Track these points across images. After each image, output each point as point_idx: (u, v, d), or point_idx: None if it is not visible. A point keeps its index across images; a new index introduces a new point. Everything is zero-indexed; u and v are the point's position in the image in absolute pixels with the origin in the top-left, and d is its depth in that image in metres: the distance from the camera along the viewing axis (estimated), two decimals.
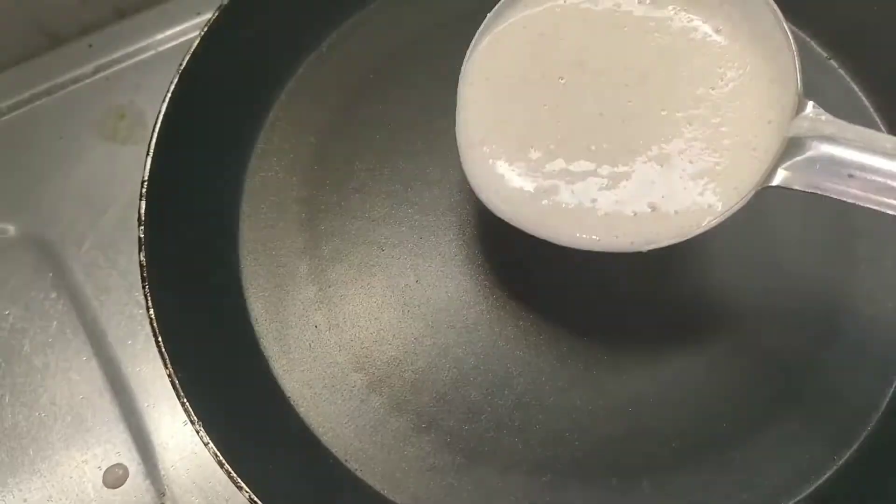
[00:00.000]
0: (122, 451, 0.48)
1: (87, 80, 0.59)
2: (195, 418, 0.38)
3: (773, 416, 0.42)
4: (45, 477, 0.48)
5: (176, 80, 0.45)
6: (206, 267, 0.46)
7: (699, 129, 0.37)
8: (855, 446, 0.42)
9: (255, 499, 0.37)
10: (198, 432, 0.38)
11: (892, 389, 0.43)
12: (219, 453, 0.37)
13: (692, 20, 0.39)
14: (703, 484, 0.41)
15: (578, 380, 0.44)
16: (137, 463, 0.48)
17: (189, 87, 0.46)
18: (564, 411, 0.43)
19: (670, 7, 0.40)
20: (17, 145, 0.57)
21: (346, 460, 0.42)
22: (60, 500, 0.47)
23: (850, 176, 0.33)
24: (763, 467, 0.42)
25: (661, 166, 0.37)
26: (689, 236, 0.35)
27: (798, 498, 0.41)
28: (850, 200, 0.33)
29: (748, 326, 0.44)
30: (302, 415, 0.43)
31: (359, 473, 0.42)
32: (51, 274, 0.53)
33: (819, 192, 0.33)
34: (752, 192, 0.34)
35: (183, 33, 0.60)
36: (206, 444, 0.38)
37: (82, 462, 0.48)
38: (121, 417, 0.49)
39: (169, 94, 0.45)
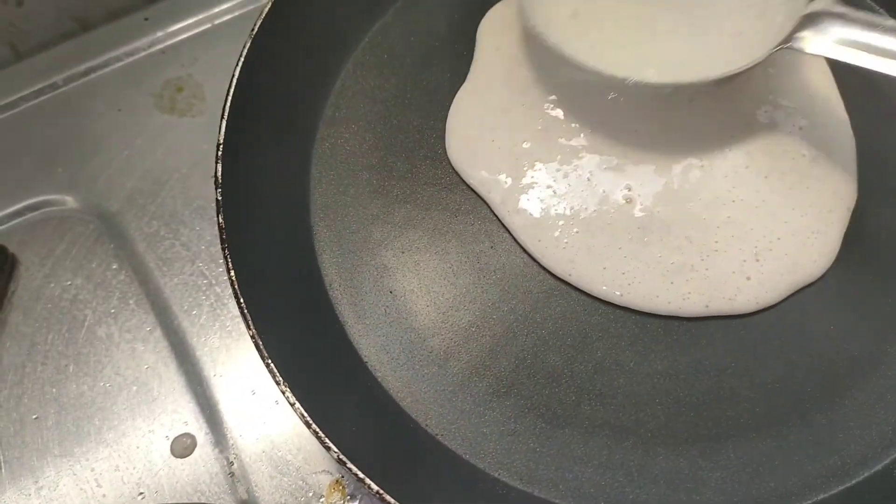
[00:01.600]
0: (189, 421, 0.48)
1: (144, 53, 0.59)
2: (280, 379, 0.38)
3: (859, 379, 0.42)
4: (111, 447, 0.47)
5: (248, 45, 0.45)
6: (279, 232, 0.45)
7: None
8: None
9: (344, 458, 0.36)
10: (283, 393, 0.37)
11: None
12: (306, 413, 0.37)
13: None
14: (789, 448, 0.41)
15: (658, 344, 0.43)
16: (205, 432, 0.47)
17: (260, 52, 0.45)
18: (645, 376, 0.42)
19: None
20: (75, 117, 0.57)
21: (427, 425, 0.42)
22: (128, 469, 0.47)
23: (854, 42, 0.40)
24: (849, 430, 0.41)
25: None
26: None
27: (886, 461, 0.40)
28: (850, 62, 0.40)
29: (834, 284, 0.44)
30: (380, 380, 0.43)
31: (440, 438, 0.42)
32: (112, 245, 0.53)
33: (828, 56, 0.41)
34: (776, 49, 0.42)
35: (239, 6, 0.60)
36: (292, 405, 0.37)
37: (149, 432, 0.48)
38: (187, 387, 0.48)
39: (242, 59, 0.45)
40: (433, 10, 0.52)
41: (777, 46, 0.43)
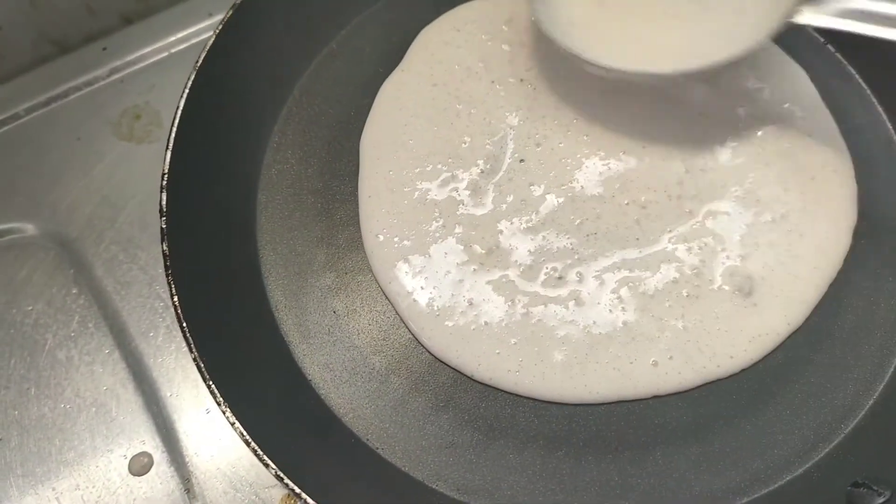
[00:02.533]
0: (146, 440, 0.49)
1: (103, 82, 0.61)
2: (221, 399, 0.39)
3: (784, 386, 0.44)
4: (71, 466, 0.49)
5: (193, 77, 0.47)
6: (226, 256, 0.47)
7: None
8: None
9: (281, 474, 0.38)
10: (224, 413, 0.39)
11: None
12: (245, 432, 0.39)
13: None
14: (714, 454, 0.42)
15: None
16: (162, 451, 0.49)
17: (205, 83, 0.47)
18: None
19: None
20: (35, 147, 0.59)
21: (368, 440, 0.44)
22: (88, 488, 0.48)
23: (854, 12, 0.41)
24: (773, 436, 0.43)
25: None
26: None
27: (808, 465, 0.42)
28: (853, 31, 0.41)
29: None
30: (323, 397, 0.45)
31: (380, 452, 0.43)
32: (72, 270, 0.54)
33: (831, 27, 0.42)
34: (780, 24, 0.43)
35: (196, 34, 0.61)
36: (232, 424, 0.39)
37: (108, 451, 0.49)
38: (144, 407, 0.50)
39: (186, 91, 0.46)
40: (376, 38, 0.54)
41: (780, 22, 0.43)
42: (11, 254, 0.55)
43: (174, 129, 0.45)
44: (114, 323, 0.52)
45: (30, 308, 0.53)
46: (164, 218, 0.43)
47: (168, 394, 0.50)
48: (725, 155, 0.48)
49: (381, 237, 0.47)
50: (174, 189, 0.44)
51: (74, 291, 0.54)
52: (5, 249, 0.55)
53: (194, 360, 0.40)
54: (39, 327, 0.53)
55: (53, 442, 0.50)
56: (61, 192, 0.57)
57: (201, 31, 0.62)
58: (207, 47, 0.47)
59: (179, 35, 0.62)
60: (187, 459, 0.49)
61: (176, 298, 0.41)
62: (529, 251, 0.46)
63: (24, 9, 0.60)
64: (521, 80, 0.51)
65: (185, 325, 0.41)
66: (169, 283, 0.42)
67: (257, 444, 0.38)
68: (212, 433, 0.49)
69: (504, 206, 0.48)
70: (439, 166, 0.49)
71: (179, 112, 0.46)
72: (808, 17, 0.43)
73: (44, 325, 0.53)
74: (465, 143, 0.49)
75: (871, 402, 0.43)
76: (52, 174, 0.57)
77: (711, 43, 0.45)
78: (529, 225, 0.47)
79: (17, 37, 0.61)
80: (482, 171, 0.48)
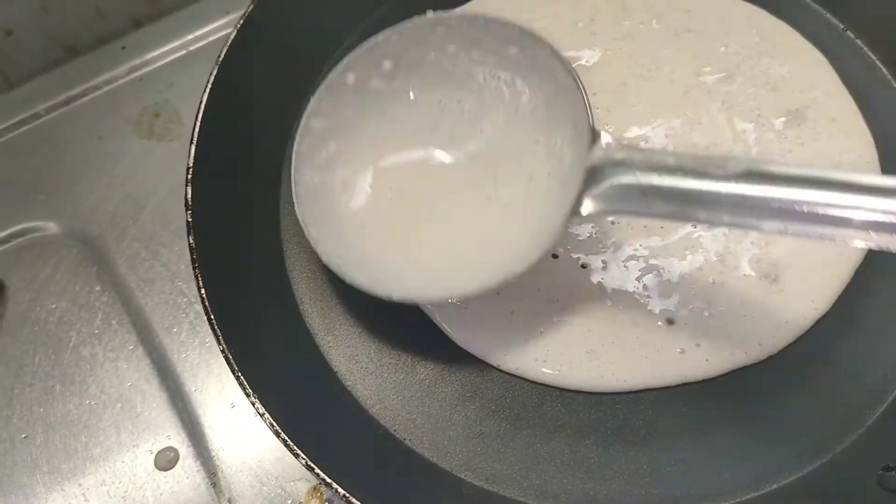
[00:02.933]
0: (171, 435, 0.50)
1: (122, 81, 0.61)
2: (250, 391, 0.39)
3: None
4: (97, 462, 0.49)
5: (215, 71, 0.47)
6: (250, 249, 0.47)
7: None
8: None
9: (311, 464, 0.38)
10: (253, 404, 0.39)
11: None
12: (274, 423, 0.39)
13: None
14: (743, 442, 0.42)
15: None
16: (187, 445, 0.49)
17: (227, 77, 0.47)
18: None
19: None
20: (57, 146, 0.59)
21: (395, 430, 0.44)
22: (114, 483, 0.49)
23: (644, 194, 0.35)
24: (806, 418, 0.43)
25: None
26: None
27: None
28: (652, 218, 0.41)
29: None
30: (350, 388, 0.45)
31: (408, 443, 0.43)
32: (95, 268, 0.55)
33: (625, 214, 0.39)
34: (564, 223, 0.38)
35: (213, 32, 0.62)
36: (261, 415, 0.39)
37: (133, 447, 0.49)
38: (169, 403, 0.50)
39: (209, 85, 0.47)
40: None
41: (565, 223, 0.38)
42: (35, 252, 0.55)
43: (198, 123, 0.45)
44: (137, 319, 0.53)
45: (53, 306, 0.53)
46: (190, 211, 0.43)
47: (193, 389, 0.51)
48: (746, 142, 0.48)
49: None
50: (198, 183, 0.45)
51: (98, 289, 0.54)
52: (28, 248, 0.56)
53: (222, 352, 0.40)
54: (63, 325, 0.53)
55: (79, 438, 0.50)
56: (83, 191, 0.57)
57: (219, 29, 0.62)
58: (229, 42, 0.48)
59: (197, 33, 0.62)
60: (213, 453, 0.49)
61: (203, 291, 0.41)
62: None
63: (36, 13, 0.60)
64: None
65: (212, 317, 0.41)
66: (196, 277, 0.42)
67: (287, 435, 0.38)
68: (237, 427, 0.49)
69: None
70: None
71: (202, 106, 0.46)
72: (593, 206, 0.37)
73: (68, 322, 0.53)
74: None
75: None
76: (74, 173, 0.58)
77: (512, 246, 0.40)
78: None
79: (28, 40, 0.61)
80: None
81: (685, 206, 0.35)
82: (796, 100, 0.49)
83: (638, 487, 0.42)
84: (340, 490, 0.37)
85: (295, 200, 0.42)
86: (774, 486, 0.41)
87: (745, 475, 0.42)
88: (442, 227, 0.43)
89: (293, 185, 0.43)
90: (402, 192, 0.44)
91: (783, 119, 0.49)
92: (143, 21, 0.64)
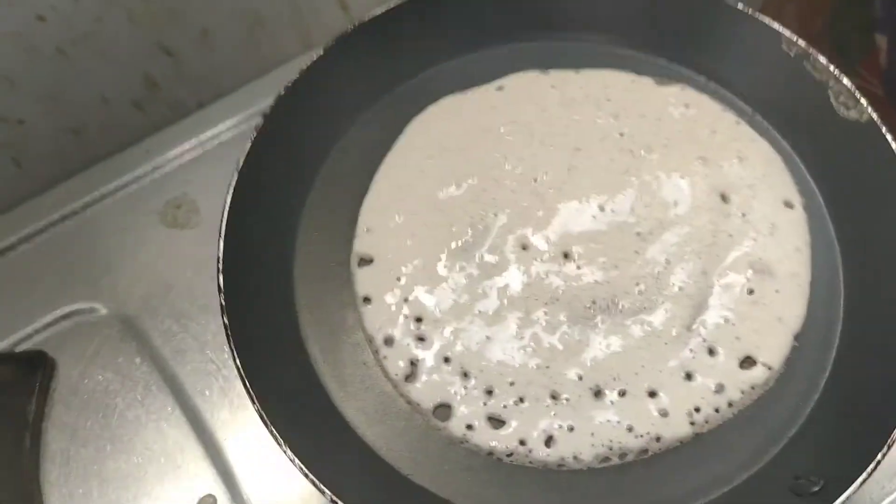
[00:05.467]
0: (209, 483, 0.58)
1: (147, 179, 0.71)
2: (281, 442, 0.48)
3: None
4: None
5: (236, 177, 0.56)
6: (269, 323, 0.56)
7: None
8: None
9: (335, 498, 0.47)
10: (285, 452, 0.48)
11: None
12: (303, 466, 0.48)
13: None
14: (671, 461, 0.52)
15: None
16: (224, 492, 0.58)
17: (244, 180, 0.57)
18: None
19: None
20: (92, 238, 0.68)
21: (400, 468, 0.53)
22: None
23: None
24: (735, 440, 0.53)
25: None
26: None
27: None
28: None
29: None
30: (361, 435, 0.54)
31: (411, 478, 0.52)
32: (134, 343, 0.63)
33: None
34: None
35: (221, 134, 0.72)
36: (292, 461, 0.48)
37: (177, 496, 0.58)
38: (206, 455, 0.59)
39: (231, 188, 0.56)
40: (384, 128, 0.64)
41: None
42: (80, 332, 0.64)
43: (224, 220, 0.55)
44: (173, 385, 0.62)
45: (100, 378, 0.62)
46: (223, 294, 0.53)
47: (225, 442, 0.59)
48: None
49: None
50: (227, 270, 0.54)
51: (137, 360, 0.63)
52: (74, 328, 0.65)
53: (257, 411, 0.49)
54: (110, 393, 0.62)
55: (129, 490, 0.58)
56: (118, 276, 0.66)
57: (230, 129, 0.72)
58: (246, 151, 0.57)
59: (211, 133, 0.72)
60: (245, 497, 0.58)
61: (238, 361, 0.51)
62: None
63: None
64: None
65: (246, 382, 0.50)
66: (231, 349, 0.51)
67: (314, 476, 0.47)
68: (266, 473, 0.58)
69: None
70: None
71: (227, 206, 0.55)
72: None
73: (113, 391, 0.62)
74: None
75: (808, 410, 0.53)
76: (108, 261, 0.67)
77: None
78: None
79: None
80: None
81: None
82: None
83: (593, 501, 0.51)
84: None
85: None
86: (711, 497, 0.51)
87: (687, 489, 0.51)
88: None
89: None
90: None
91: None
92: (142, 105, 0.74)
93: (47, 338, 0.64)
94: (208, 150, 0.72)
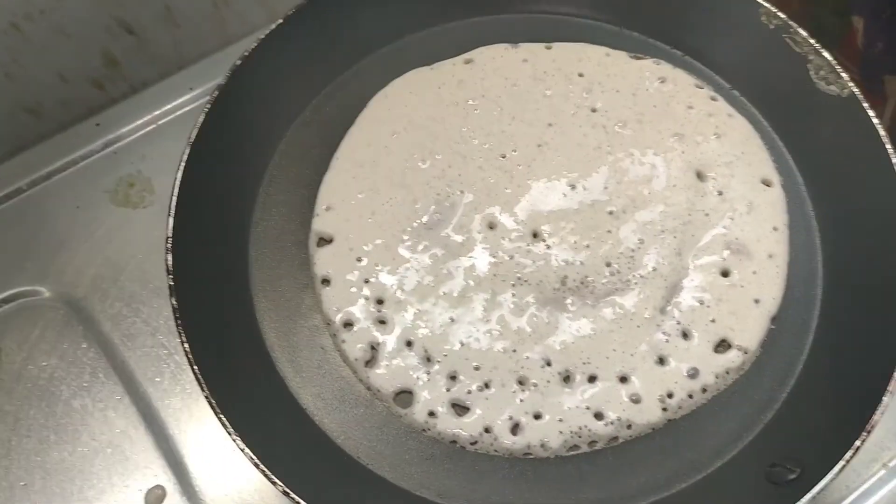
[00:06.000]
0: (158, 474, 0.55)
1: (98, 155, 0.67)
2: (231, 430, 0.46)
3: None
4: (92, 503, 0.55)
5: (187, 151, 0.53)
6: (222, 305, 0.53)
7: None
8: None
9: (287, 490, 0.44)
10: (234, 441, 0.45)
11: None
12: (254, 456, 0.45)
13: None
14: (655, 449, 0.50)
15: None
16: (174, 483, 0.55)
17: (197, 156, 0.54)
18: None
19: None
20: (40, 217, 0.65)
21: (359, 457, 0.50)
22: None
23: None
24: (705, 430, 0.50)
25: None
26: None
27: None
28: None
29: None
30: (318, 423, 0.51)
31: (370, 467, 0.50)
32: (81, 327, 0.60)
33: None
34: None
35: (180, 107, 0.69)
36: (242, 451, 0.45)
37: (124, 487, 0.55)
38: (155, 445, 0.56)
39: (182, 164, 0.53)
40: (344, 105, 0.61)
41: None
42: (25, 315, 0.61)
43: (174, 198, 0.52)
44: (122, 372, 0.59)
45: (45, 363, 0.59)
46: (171, 276, 0.50)
47: (176, 431, 0.57)
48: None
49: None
50: (177, 250, 0.51)
51: (84, 346, 0.60)
52: (18, 312, 0.61)
53: (206, 397, 0.46)
54: (55, 380, 0.59)
55: (74, 482, 0.55)
56: (67, 256, 0.63)
57: (185, 104, 0.69)
58: (198, 124, 0.54)
59: (166, 108, 0.69)
60: (197, 488, 0.55)
61: (186, 345, 0.48)
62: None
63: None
64: None
65: (195, 367, 0.47)
66: (179, 333, 0.48)
67: (265, 466, 0.45)
68: (218, 463, 0.55)
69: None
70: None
71: (178, 182, 0.52)
72: None
73: (59, 377, 0.59)
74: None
75: (784, 395, 0.51)
76: (57, 241, 0.64)
77: None
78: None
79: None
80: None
81: None
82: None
83: (569, 493, 0.49)
84: None
85: None
86: (683, 486, 0.49)
87: (658, 478, 0.49)
88: None
89: None
90: None
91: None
92: (102, 83, 0.71)
93: None
94: (165, 125, 0.68)
